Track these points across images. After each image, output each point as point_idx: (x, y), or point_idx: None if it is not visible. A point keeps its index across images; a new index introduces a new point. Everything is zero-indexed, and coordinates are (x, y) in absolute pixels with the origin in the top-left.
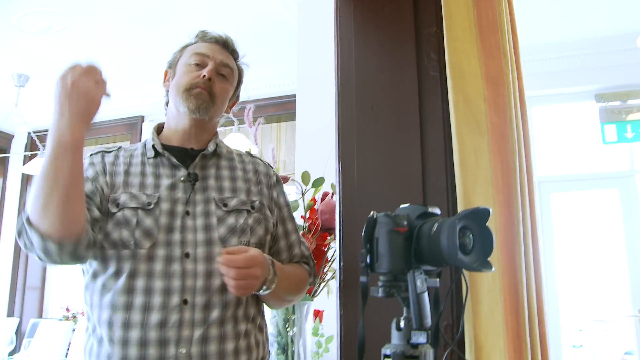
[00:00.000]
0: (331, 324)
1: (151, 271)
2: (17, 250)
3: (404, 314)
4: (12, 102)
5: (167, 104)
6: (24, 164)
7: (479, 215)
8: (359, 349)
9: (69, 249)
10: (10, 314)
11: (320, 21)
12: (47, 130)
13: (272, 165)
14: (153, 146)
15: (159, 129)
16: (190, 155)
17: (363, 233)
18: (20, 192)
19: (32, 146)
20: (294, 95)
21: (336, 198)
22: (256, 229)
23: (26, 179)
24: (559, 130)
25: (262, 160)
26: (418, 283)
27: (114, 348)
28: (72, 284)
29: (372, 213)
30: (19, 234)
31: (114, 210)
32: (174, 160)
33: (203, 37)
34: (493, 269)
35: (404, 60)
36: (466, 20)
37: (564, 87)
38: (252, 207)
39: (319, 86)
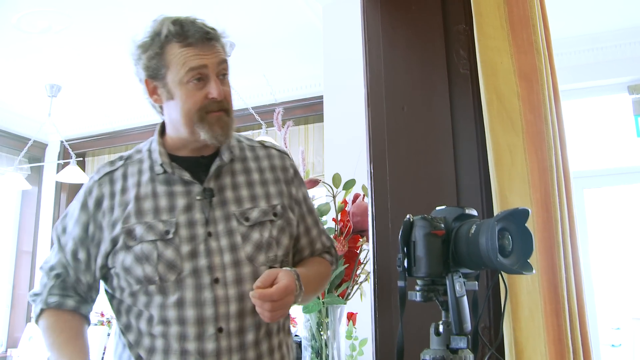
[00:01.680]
0: (365, 327)
1: (182, 300)
2: None
3: (443, 319)
4: (45, 112)
5: (160, 113)
6: (57, 172)
7: (518, 216)
8: (398, 354)
9: None
10: None
11: (346, 22)
12: (76, 139)
13: (288, 154)
14: (162, 164)
15: (162, 129)
16: (202, 165)
17: (400, 237)
18: (55, 199)
19: (64, 155)
20: (321, 97)
21: (368, 200)
22: (281, 240)
23: (60, 187)
24: (591, 124)
25: (276, 150)
26: (457, 287)
27: None
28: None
29: (408, 216)
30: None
31: (131, 243)
32: (187, 177)
33: (184, 37)
34: (534, 271)
35: (434, 59)
36: (497, 17)
37: (596, 79)
38: (275, 215)
39: (347, 87)
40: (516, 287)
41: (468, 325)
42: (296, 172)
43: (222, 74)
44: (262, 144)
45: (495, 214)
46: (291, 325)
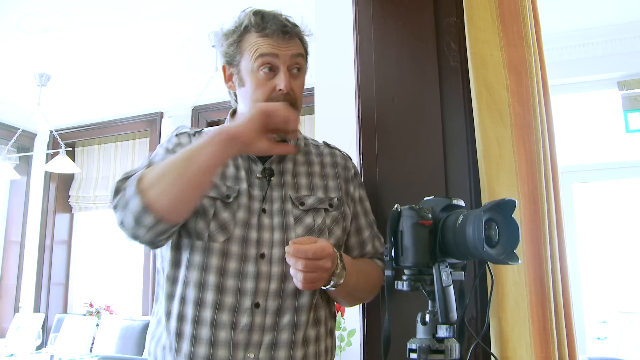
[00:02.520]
0: (353, 318)
1: (224, 268)
2: (42, 246)
3: (429, 308)
4: (34, 101)
5: (235, 100)
6: (46, 162)
7: (505, 207)
8: (384, 343)
9: (161, 229)
10: (37, 309)
11: (338, 13)
12: (66, 129)
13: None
14: None
15: (234, 114)
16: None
17: (387, 227)
18: (44, 189)
19: (54, 144)
20: (312, 89)
21: None
22: (334, 230)
23: (49, 176)
24: (581, 119)
25: (340, 152)
26: (444, 276)
27: (183, 343)
28: (95, 280)
29: (395, 206)
30: (117, 191)
31: None
32: (253, 156)
33: (262, 28)
34: (520, 261)
35: (424, 51)
36: (487, 10)
37: (586, 75)
38: (330, 205)
39: (337, 78)
40: (502, 278)
41: (454, 315)
42: (357, 173)
43: (295, 67)
44: (327, 144)
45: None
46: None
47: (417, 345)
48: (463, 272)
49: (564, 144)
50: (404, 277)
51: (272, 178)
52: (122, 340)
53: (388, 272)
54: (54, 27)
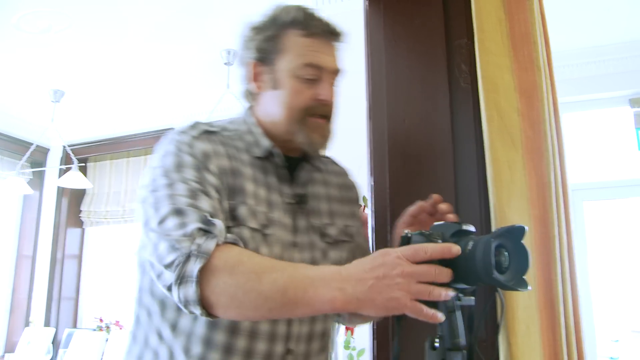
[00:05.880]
0: (363, 337)
1: None
2: (53, 261)
3: (438, 333)
4: (47, 117)
5: (251, 101)
6: (59, 177)
7: (515, 233)
8: None
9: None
10: (47, 323)
11: (349, 34)
12: (79, 144)
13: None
14: (270, 149)
15: (251, 112)
16: (291, 165)
17: None
18: (56, 204)
19: (66, 160)
20: None
21: (368, 212)
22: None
23: (62, 191)
24: (593, 136)
25: (340, 167)
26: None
27: None
28: (105, 295)
29: (405, 232)
30: (182, 281)
31: (230, 224)
32: (284, 173)
33: (306, 26)
34: (529, 287)
35: (435, 72)
36: (498, 33)
37: (597, 92)
38: (349, 235)
39: (348, 99)
40: (513, 303)
41: (460, 340)
42: (359, 192)
43: (334, 82)
44: (330, 159)
45: (493, 230)
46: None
47: None
48: (473, 298)
49: (575, 161)
50: None
51: (304, 205)
52: None
53: None
54: (54, 27)
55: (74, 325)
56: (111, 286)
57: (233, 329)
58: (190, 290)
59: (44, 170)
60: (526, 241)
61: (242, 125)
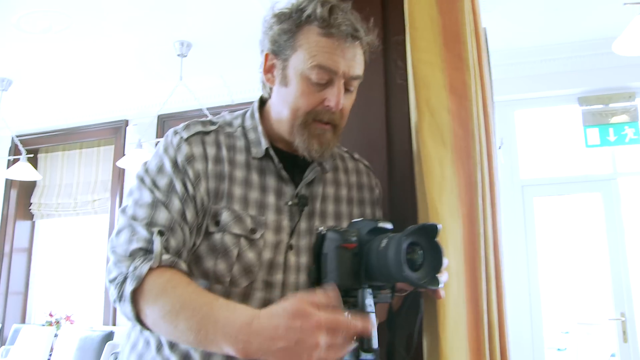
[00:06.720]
0: None
1: None
2: (0, 254)
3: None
4: None
5: (267, 93)
6: (7, 167)
7: (428, 231)
8: None
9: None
10: None
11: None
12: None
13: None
14: (267, 149)
15: (260, 105)
16: (299, 166)
17: (312, 248)
18: (4, 196)
19: (15, 151)
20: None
21: None
22: None
23: (10, 183)
24: (543, 133)
25: (363, 165)
26: (367, 302)
27: None
28: (57, 289)
29: (320, 228)
30: (121, 299)
31: (212, 229)
32: (284, 173)
33: (328, 23)
34: (440, 285)
35: (372, 68)
36: (430, 32)
37: (548, 90)
38: None
39: None
40: (445, 299)
41: (373, 343)
42: (381, 192)
43: (350, 87)
44: (351, 155)
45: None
46: None
47: None
48: (390, 294)
49: (526, 157)
50: None
51: (305, 207)
52: (81, 351)
53: None
54: (54, 27)
55: (23, 321)
56: (63, 280)
57: None
58: (128, 309)
59: None
60: (455, 239)
61: (249, 121)
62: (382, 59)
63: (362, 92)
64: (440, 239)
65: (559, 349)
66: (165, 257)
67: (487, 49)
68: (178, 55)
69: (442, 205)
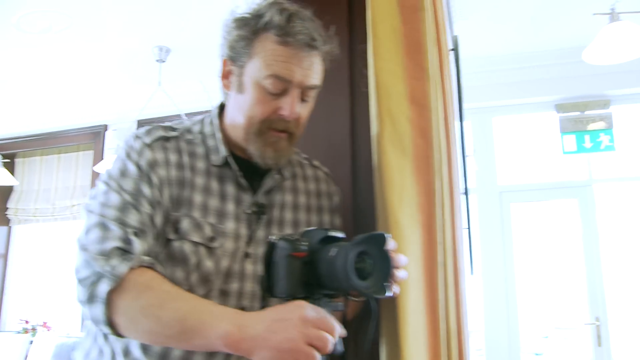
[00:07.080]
0: None
1: None
2: None
3: None
4: None
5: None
6: None
7: (377, 240)
8: None
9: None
10: None
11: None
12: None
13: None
14: (226, 156)
15: (220, 111)
16: (258, 173)
17: (262, 257)
18: None
19: None
20: None
21: None
22: None
23: None
24: (521, 140)
25: (322, 172)
26: None
27: None
28: (33, 296)
29: (270, 237)
30: (91, 300)
31: (171, 236)
32: (243, 181)
33: (284, 32)
34: (388, 293)
35: (337, 75)
36: (392, 41)
37: (526, 97)
38: None
39: None
40: (404, 307)
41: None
42: (341, 198)
43: (306, 97)
44: (310, 162)
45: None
46: None
47: None
48: (340, 303)
49: (504, 164)
50: None
51: (263, 215)
52: (57, 358)
53: (263, 303)
54: (54, 27)
55: None
56: (40, 286)
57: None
58: (99, 310)
59: None
60: (414, 247)
61: (208, 127)
62: (348, 66)
63: (327, 100)
64: (399, 247)
65: (536, 354)
66: (146, 258)
67: (458, 57)
68: (157, 60)
69: (402, 213)
